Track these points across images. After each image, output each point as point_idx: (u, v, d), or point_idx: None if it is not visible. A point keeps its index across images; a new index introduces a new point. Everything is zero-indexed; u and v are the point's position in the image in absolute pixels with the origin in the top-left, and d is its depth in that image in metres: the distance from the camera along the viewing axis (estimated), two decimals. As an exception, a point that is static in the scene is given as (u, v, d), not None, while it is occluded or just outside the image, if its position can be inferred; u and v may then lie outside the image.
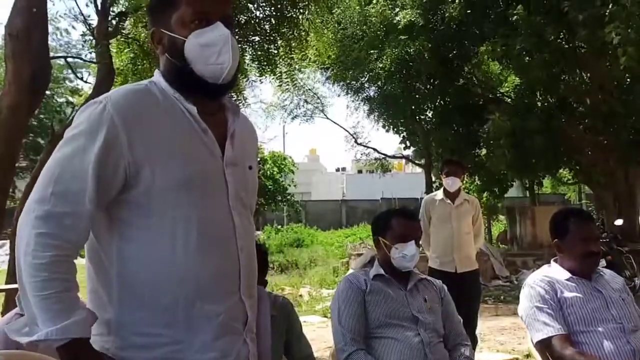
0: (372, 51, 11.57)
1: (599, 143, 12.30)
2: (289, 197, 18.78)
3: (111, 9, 7.16)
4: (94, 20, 7.59)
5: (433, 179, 16.23)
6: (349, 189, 33.90)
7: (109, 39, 6.87)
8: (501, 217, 19.49)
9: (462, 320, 2.72)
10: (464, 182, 16.98)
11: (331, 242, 19.04)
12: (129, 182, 1.31)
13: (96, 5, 7.18)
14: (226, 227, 1.38)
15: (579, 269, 2.61)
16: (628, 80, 11.34)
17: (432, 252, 4.86)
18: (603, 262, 8.03)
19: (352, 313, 2.42)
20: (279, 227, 19.99)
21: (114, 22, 7.27)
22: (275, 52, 6.90)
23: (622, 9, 8.00)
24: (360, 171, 35.95)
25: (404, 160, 25.62)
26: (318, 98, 20.25)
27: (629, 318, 2.50)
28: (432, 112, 14.07)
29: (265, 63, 6.94)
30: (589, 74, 12.15)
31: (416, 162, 20.22)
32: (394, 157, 22.03)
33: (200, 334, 1.32)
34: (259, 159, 17.61)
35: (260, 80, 7.73)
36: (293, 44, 6.84)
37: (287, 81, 7.46)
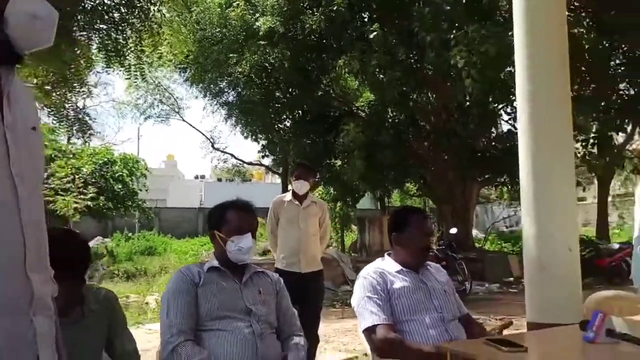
0: (231, 55, 11.44)
1: (441, 160, 13.28)
2: (140, 202, 17.94)
3: None
4: None
5: (290, 187, 16.42)
6: (207, 197, 33.17)
7: None
8: (354, 227, 20.27)
9: (296, 314, 2.69)
10: (320, 191, 17.52)
11: (186, 250, 18.50)
12: None
13: None
14: (8, 198, 1.21)
15: (410, 262, 2.73)
16: (468, 103, 12.36)
17: (279, 252, 4.85)
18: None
19: (182, 305, 2.32)
20: (130, 234, 19.03)
21: None
22: (124, 42, 6.52)
23: (465, 34, 8.70)
24: (220, 179, 35.45)
25: (264, 170, 25.73)
26: (174, 99, 19.72)
27: (449, 309, 2.67)
28: (290, 122, 14.25)
29: (113, 53, 6.52)
30: (435, 95, 13.10)
31: (274, 170, 20.39)
32: (251, 164, 22.03)
33: None
34: (106, 159, 16.70)
35: (107, 71, 7.28)
36: (144, 36, 6.52)
37: (136, 74, 7.07)
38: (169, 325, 2.28)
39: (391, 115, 13.42)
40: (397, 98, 11.32)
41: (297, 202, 4.79)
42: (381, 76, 10.92)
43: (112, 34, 6.34)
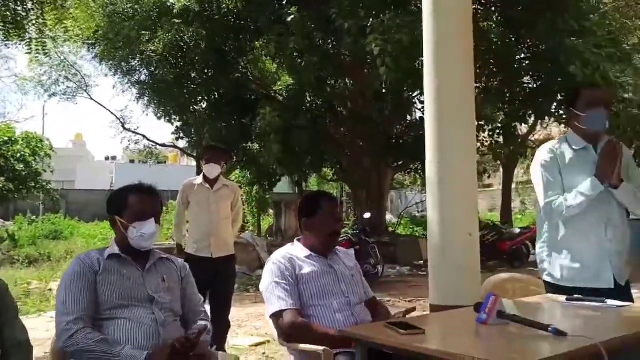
0: (144, 32, 10.98)
1: (357, 145, 13.49)
2: (44, 183, 16.98)
3: None
4: None
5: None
6: (118, 179, 31.95)
7: None
8: (272, 211, 20.24)
9: (201, 300, 2.65)
10: (236, 174, 17.32)
11: (94, 234, 17.82)
12: None
13: None
14: None
15: (319, 247, 2.77)
16: (384, 90, 12.59)
17: (189, 237, 4.77)
18: (352, 251, 8.78)
19: (80, 293, 2.23)
20: (34, 217, 18.06)
21: None
22: (24, 14, 6.05)
23: (381, 22, 8.83)
24: (132, 161, 34.28)
25: (179, 152, 25.09)
26: (82, 76, 18.78)
27: (356, 293, 2.74)
28: (206, 103, 13.93)
29: (12, 25, 6.03)
30: (352, 81, 13.25)
31: (189, 153, 19.93)
32: (164, 145, 21.39)
33: None
34: (7, 138, 15.67)
35: (5, 44, 6.74)
36: (47, 9, 6.09)
37: (38, 49, 6.59)
38: (65, 312, 2.19)
39: (309, 100, 13.44)
40: (314, 83, 11.33)
41: (208, 186, 4.71)
42: (299, 60, 10.89)
43: (11, 4, 5.87)
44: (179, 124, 14.62)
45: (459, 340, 1.97)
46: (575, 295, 2.52)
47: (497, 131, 12.20)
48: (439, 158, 3.06)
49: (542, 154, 2.81)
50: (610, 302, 2.42)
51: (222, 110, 13.20)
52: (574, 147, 2.76)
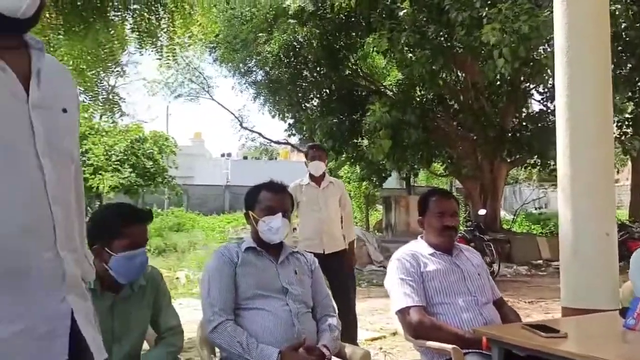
0: (260, 34, 11.44)
1: (469, 138, 13.12)
2: (169, 179, 18.16)
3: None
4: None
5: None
6: (233, 175, 33.42)
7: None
8: (379, 206, 20.23)
9: (329, 295, 2.73)
10: (345, 170, 17.45)
11: (213, 226, 18.76)
12: None
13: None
14: (33, 177, 1.21)
15: (437, 244, 2.75)
16: (498, 81, 12.15)
17: (300, 235, 4.86)
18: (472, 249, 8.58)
19: (222, 285, 2.39)
20: (159, 210, 19.31)
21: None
22: (157, 24, 6.51)
23: (498, 11, 8.53)
24: (245, 157, 35.65)
25: (289, 148, 25.80)
26: (204, 78, 19.91)
27: (483, 292, 2.68)
28: (317, 100, 14.21)
29: (145, 34, 6.52)
30: (464, 73, 12.90)
31: (301, 149, 20.43)
32: (278, 142, 22.15)
33: (4, 296, 1.16)
34: (137, 137, 16.88)
35: (139, 52, 7.30)
36: (176, 17, 6.52)
37: (168, 56, 7.07)
38: (210, 304, 2.35)
39: (419, 94, 13.28)
40: (425, 76, 11.17)
41: (315, 185, 4.77)
42: (409, 55, 10.79)
43: (145, 14, 6.34)
44: (291, 121, 15.04)
45: (605, 345, 1.87)
46: None
47: (626, 122, 11.38)
48: (572, 151, 2.92)
49: None
50: None
51: (333, 106, 13.39)
52: None
